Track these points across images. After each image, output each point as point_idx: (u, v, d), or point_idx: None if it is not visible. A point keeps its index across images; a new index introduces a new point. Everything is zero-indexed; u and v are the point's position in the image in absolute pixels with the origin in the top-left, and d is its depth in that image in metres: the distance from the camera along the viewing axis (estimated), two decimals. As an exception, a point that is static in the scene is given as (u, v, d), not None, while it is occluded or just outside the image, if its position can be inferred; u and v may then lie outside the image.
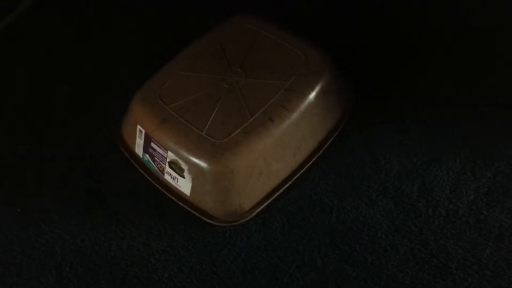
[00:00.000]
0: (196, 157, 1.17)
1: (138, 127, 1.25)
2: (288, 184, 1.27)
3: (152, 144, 1.23)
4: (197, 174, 1.18)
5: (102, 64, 1.55)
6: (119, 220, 1.26)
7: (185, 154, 1.18)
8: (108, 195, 1.31)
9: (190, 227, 1.24)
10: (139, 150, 1.29)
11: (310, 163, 1.30)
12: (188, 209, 1.24)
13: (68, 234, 1.26)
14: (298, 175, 1.28)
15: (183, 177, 1.20)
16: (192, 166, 1.18)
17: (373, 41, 1.54)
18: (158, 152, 1.23)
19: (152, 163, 1.26)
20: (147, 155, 1.27)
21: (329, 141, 1.32)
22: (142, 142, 1.26)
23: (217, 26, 1.37)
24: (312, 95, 1.27)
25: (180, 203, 1.24)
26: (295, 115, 1.24)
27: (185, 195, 1.23)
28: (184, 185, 1.22)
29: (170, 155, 1.21)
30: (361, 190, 1.29)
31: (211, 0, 1.64)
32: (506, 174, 1.27)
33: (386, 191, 1.28)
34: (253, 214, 1.24)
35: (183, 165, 1.19)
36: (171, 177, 1.23)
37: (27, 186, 1.35)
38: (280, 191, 1.26)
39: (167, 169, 1.23)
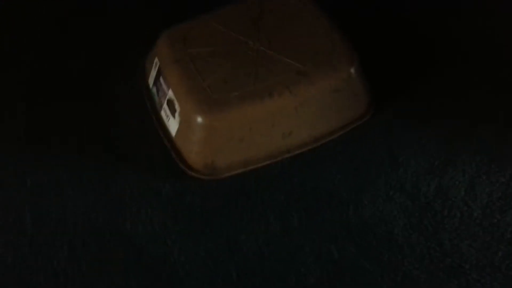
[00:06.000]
0: (188, 102, 1.21)
1: (156, 59, 1.31)
2: (270, 161, 1.28)
3: (161, 78, 1.29)
4: (185, 118, 1.22)
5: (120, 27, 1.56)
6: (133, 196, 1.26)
7: (181, 97, 1.23)
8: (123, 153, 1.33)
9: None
10: (151, 81, 1.34)
11: (301, 151, 1.29)
12: (170, 150, 1.28)
13: (82, 208, 1.24)
14: (285, 157, 1.28)
15: (174, 117, 1.25)
16: (183, 110, 1.22)
17: (395, 44, 1.52)
18: (162, 87, 1.28)
19: (156, 95, 1.32)
20: (155, 87, 1.32)
21: (330, 138, 1.31)
22: (155, 74, 1.32)
23: None
24: (322, 88, 1.25)
25: (166, 142, 1.29)
26: (296, 100, 1.23)
27: (172, 136, 1.28)
28: (173, 125, 1.26)
29: (170, 94, 1.25)
30: (378, 185, 1.27)
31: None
32: (519, 180, 1.30)
33: (403, 188, 1.28)
34: (224, 175, 1.26)
35: (177, 106, 1.24)
36: (166, 115, 1.29)
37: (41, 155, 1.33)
38: (260, 165, 1.27)
39: (165, 105, 1.28)
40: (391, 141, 1.34)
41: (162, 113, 1.29)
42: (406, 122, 1.38)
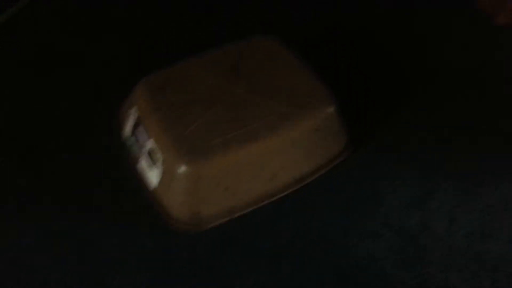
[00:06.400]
0: (172, 151, 1.17)
1: (134, 107, 1.27)
2: (256, 206, 1.25)
3: (140, 127, 1.24)
4: (168, 168, 1.18)
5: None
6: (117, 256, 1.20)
7: (163, 146, 1.19)
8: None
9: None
10: (129, 130, 1.29)
11: (286, 193, 1.28)
12: (152, 202, 1.23)
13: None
14: (271, 200, 1.26)
15: (156, 167, 1.21)
16: (166, 159, 1.18)
17: (375, 80, 1.56)
18: (142, 137, 1.24)
19: (135, 145, 1.27)
20: (133, 137, 1.27)
21: (313, 177, 1.31)
22: (133, 123, 1.27)
23: (242, 40, 1.39)
24: (304, 129, 1.25)
25: (146, 194, 1.24)
26: (281, 142, 1.22)
27: (152, 187, 1.23)
28: (154, 176, 1.22)
29: (151, 143, 1.21)
30: (365, 223, 1.27)
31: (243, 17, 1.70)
32: (495, 207, 1.34)
33: (389, 224, 1.28)
34: (210, 225, 1.22)
35: (159, 156, 1.19)
36: (146, 165, 1.24)
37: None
38: (246, 211, 1.25)
39: (145, 155, 1.23)
40: (373, 176, 1.35)
41: (142, 164, 1.24)
42: (385, 156, 1.39)
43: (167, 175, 1.18)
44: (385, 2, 1.81)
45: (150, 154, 1.21)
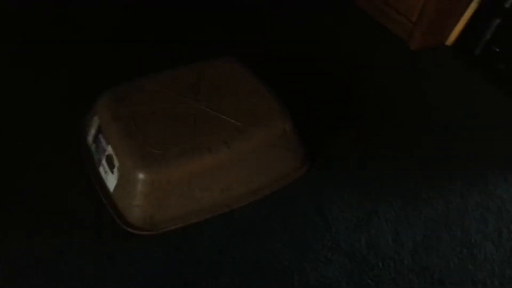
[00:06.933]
0: (127, 157, 1.21)
1: (96, 117, 1.31)
2: (210, 215, 1.29)
3: (100, 136, 1.28)
4: (124, 173, 1.21)
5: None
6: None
7: (120, 152, 1.22)
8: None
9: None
10: (90, 139, 1.34)
11: (239, 206, 1.32)
12: (108, 206, 1.26)
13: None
14: (224, 211, 1.30)
15: (112, 173, 1.23)
16: (122, 165, 1.21)
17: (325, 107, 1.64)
18: (102, 144, 1.27)
19: (96, 152, 1.30)
20: (94, 145, 1.31)
21: (268, 191, 1.35)
22: (94, 131, 1.31)
23: (203, 60, 1.46)
24: (259, 144, 1.30)
25: (103, 198, 1.26)
26: (234, 155, 1.26)
27: (109, 192, 1.26)
28: (111, 181, 1.25)
29: (109, 149, 1.24)
30: (316, 249, 1.28)
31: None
32: (433, 220, 1.39)
33: (339, 247, 1.29)
34: (164, 230, 1.24)
35: (115, 162, 1.22)
36: (104, 171, 1.27)
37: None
38: (200, 219, 1.28)
39: (103, 161, 1.26)
40: (319, 200, 1.37)
41: (101, 170, 1.28)
42: (329, 179, 1.42)
43: (122, 180, 1.22)
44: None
45: (108, 160, 1.25)
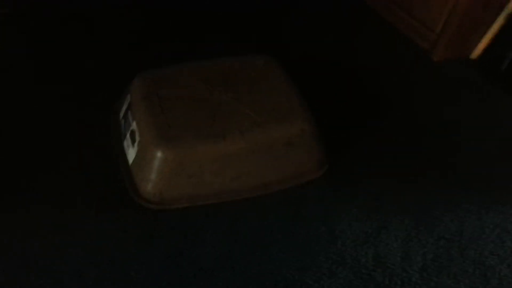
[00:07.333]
0: (147, 134, 1.29)
1: (128, 95, 1.42)
2: (217, 201, 1.32)
3: (129, 112, 1.38)
4: (142, 148, 1.29)
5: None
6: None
7: (142, 128, 1.30)
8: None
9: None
10: (121, 114, 1.44)
11: (248, 196, 1.34)
12: (125, 177, 1.35)
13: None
14: (230, 200, 1.34)
15: (133, 146, 1.32)
16: (142, 140, 1.30)
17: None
18: (129, 120, 1.37)
19: (123, 127, 1.41)
20: (123, 120, 1.41)
21: (279, 188, 1.36)
22: (125, 108, 1.41)
23: (237, 56, 1.52)
24: (275, 140, 1.32)
25: (122, 169, 1.36)
26: (248, 146, 1.29)
27: (129, 164, 1.35)
28: (131, 154, 1.34)
29: (134, 125, 1.34)
30: (320, 262, 1.25)
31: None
32: (446, 239, 1.33)
33: (344, 261, 1.26)
34: (171, 207, 1.31)
35: (137, 136, 1.31)
36: (127, 144, 1.36)
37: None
38: (206, 202, 1.32)
39: (128, 136, 1.36)
40: (326, 213, 1.34)
41: (125, 143, 1.38)
42: (339, 190, 1.38)
43: (140, 154, 1.30)
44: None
45: (131, 134, 1.34)
